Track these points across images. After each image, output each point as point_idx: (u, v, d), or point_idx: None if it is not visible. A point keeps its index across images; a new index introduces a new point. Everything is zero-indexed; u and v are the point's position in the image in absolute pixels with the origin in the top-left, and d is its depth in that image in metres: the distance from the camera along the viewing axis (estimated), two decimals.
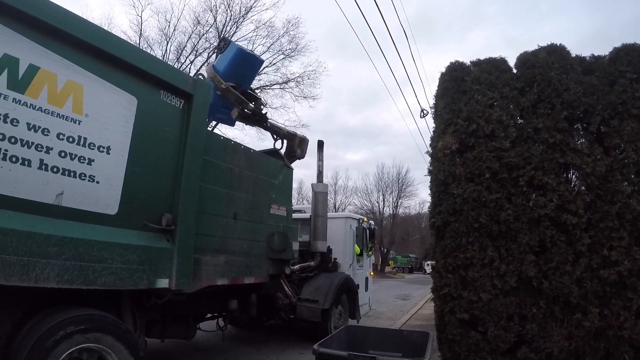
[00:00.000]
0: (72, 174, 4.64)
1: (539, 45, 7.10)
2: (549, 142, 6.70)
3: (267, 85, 34.61)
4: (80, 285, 4.59)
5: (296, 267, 9.74)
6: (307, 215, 11.60)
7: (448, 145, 7.04)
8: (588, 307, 6.52)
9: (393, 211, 64.49)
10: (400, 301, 22.50)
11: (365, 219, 14.42)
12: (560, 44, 7.05)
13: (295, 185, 8.21)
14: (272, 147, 9.69)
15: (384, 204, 64.24)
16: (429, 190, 7.70)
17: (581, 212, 6.49)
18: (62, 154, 4.55)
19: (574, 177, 7.07)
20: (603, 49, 7.56)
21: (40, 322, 4.47)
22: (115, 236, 5.01)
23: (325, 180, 11.59)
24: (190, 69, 30.97)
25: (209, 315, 8.49)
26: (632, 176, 6.56)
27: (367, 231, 14.14)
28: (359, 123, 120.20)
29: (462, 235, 6.94)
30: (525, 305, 6.71)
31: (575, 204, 6.50)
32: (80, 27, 4.90)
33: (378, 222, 52.30)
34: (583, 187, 6.75)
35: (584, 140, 6.90)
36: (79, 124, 4.72)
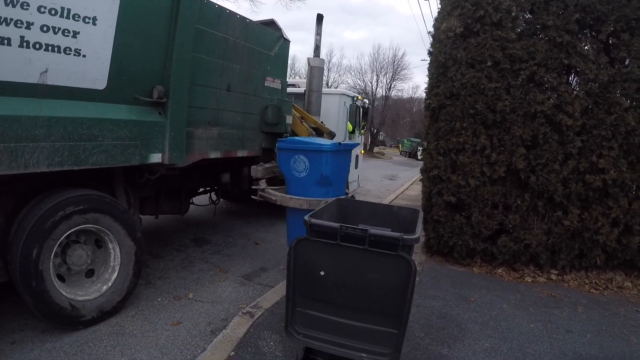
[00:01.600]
0: (56, 49, 4.25)
1: None
2: (556, 41, 6.62)
3: None
4: (72, 166, 4.41)
5: None
6: (301, 89, 11.40)
7: (452, 28, 6.93)
8: (570, 208, 6.78)
9: (386, 93, 63.68)
10: (387, 181, 22.75)
11: (359, 97, 14.26)
12: None
13: (288, 61, 8.04)
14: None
15: (377, 84, 63.25)
16: (427, 72, 7.66)
17: (577, 115, 6.56)
18: (44, 29, 4.13)
19: (575, 80, 7.08)
20: None
21: (38, 204, 4.38)
22: (105, 112, 4.77)
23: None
24: None
25: (201, 190, 8.68)
26: (633, 92, 6.55)
27: (361, 109, 14.09)
28: (362, 1, 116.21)
29: (457, 120, 7.01)
30: (511, 196, 6.93)
31: (572, 106, 6.54)
32: None
33: (370, 102, 51.98)
34: (582, 92, 6.75)
35: (590, 47, 6.85)
36: None
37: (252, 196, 6.82)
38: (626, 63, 6.67)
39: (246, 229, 9.40)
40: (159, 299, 5.56)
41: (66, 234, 4.45)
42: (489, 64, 6.75)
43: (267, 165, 7.67)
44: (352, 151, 11.71)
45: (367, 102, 15.63)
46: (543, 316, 5.59)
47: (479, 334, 4.97)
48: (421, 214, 4.46)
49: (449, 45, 7.05)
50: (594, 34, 6.80)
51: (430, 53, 7.59)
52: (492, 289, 6.41)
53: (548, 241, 6.91)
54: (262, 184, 7.02)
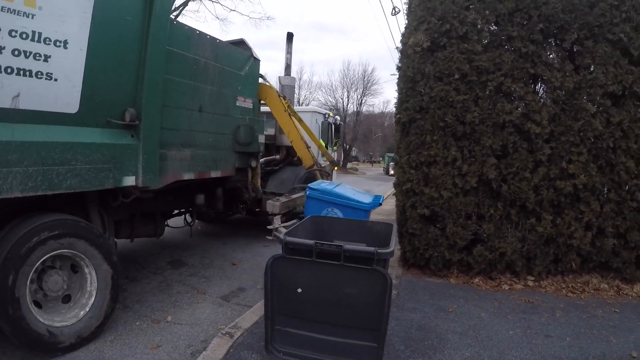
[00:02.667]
0: (27, 73, 4.23)
1: None
2: (521, 52, 6.74)
3: None
4: (46, 190, 4.37)
5: (261, 160, 9.62)
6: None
7: (419, 43, 7.00)
8: (542, 214, 6.87)
9: (357, 108, 64.12)
10: None
11: (331, 114, 14.32)
12: None
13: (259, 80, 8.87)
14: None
15: (348, 100, 63.77)
16: (397, 87, 7.72)
17: (545, 123, 6.67)
18: (16, 53, 4.12)
19: (541, 89, 7.20)
20: None
21: (12, 230, 4.30)
22: (77, 136, 4.73)
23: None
24: None
25: (175, 212, 8.64)
26: (598, 97, 6.70)
27: (333, 126, 14.13)
28: (332, 18, 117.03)
29: (427, 133, 7.06)
30: (484, 205, 7.00)
31: (540, 114, 6.67)
32: None
33: (342, 119, 52.16)
34: (549, 100, 6.89)
35: (555, 55, 6.97)
36: (32, 18, 4.23)
37: (267, 236, 6.68)
38: (591, 69, 6.80)
39: (222, 249, 9.34)
40: (137, 323, 5.50)
41: (42, 260, 4.39)
42: (456, 76, 6.83)
43: (283, 199, 7.67)
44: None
45: (339, 118, 15.83)
46: (522, 322, 5.64)
47: (459, 343, 5.00)
48: (395, 228, 4.49)
49: (417, 59, 7.11)
50: (558, 43, 6.91)
51: (398, 68, 7.65)
52: (470, 299, 6.45)
53: (523, 248, 6.98)
54: (277, 222, 7.00)
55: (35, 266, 4.35)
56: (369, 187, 28.66)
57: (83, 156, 4.72)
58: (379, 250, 3.34)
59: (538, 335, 5.29)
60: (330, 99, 63.82)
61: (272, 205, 7.43)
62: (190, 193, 7.87)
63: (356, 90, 63.46)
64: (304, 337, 3.64)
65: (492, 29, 7.06)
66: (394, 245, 3.81)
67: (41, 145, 4.32)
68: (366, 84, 63.09)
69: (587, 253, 7.01)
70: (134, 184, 5.37)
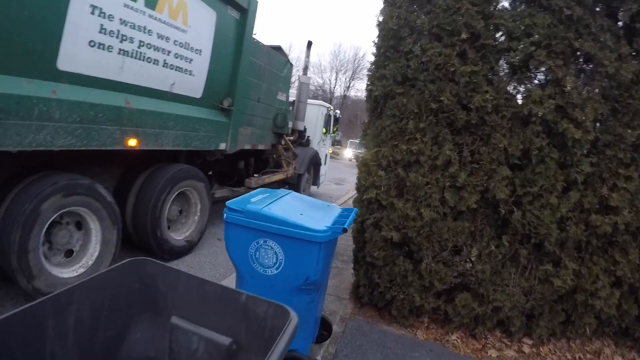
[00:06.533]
0: (180, 69, 6.34)
1: None
2: (562, 14, 4.53)
3: None
4: (182, 147, 6.61)
5: None
6: (290, 99, 13.36)
7: None
8: (564, 260, 4.80)
9: (344, 92, 65.30)
10: (333, 185, 21.13)
11: (331, 108, 17.94)
12: None
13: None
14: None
15: (336, 82, 64.94)
16: (374, 45, 5.43)
17: (589, 124, 4.53)
18: (176, 55, 6.18)
19: (582, 74, 4.98)
20: None
21: (166, 167, 6.74)
22: (200, 113, 6.99)
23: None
24: None
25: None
26: None
27: (332, 117, 17.85)
28: None
29: (410, 117, 4.79)
30: (482, 237, 4.83)
31: (583, 110, 4.50)
32: None
33: (327, 101, 52.33)
34: (597, 90, 4.71)
35: (608, 30, 4.78)
36: (185, 32, 6.27)
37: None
38: None
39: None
40: None
41: (181, 189, 6.99)
42: (463, 36, 4.56)
43: (255, 178, 10.41)
44: (322, 150, 16.40)
45: (339, 112, 20.81)
46: None
47: None
48: (293, 322, 1.95)
49: (405, 6, 4.92)
50: (610, 14, 4.80)
51: (379, 23, 5.31)
52: None
53: (526, 304, 4.90)
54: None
55: (176, 193, 6.90)
56: (344, 175, 28.97)
57: (202, 127, 7.03)
58: None
59: None
60: (317, 79, 65.26)
61: (249, 182, 10.09)
62: (234, 160, 10.18)
63: (345, 72, 64.74)
64: None
65: None
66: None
67: (184, 118, 6.57)
68: (356, 67, 64.93)
69: (608, 317, 5.03)
70: (224, 148, 7.78)
